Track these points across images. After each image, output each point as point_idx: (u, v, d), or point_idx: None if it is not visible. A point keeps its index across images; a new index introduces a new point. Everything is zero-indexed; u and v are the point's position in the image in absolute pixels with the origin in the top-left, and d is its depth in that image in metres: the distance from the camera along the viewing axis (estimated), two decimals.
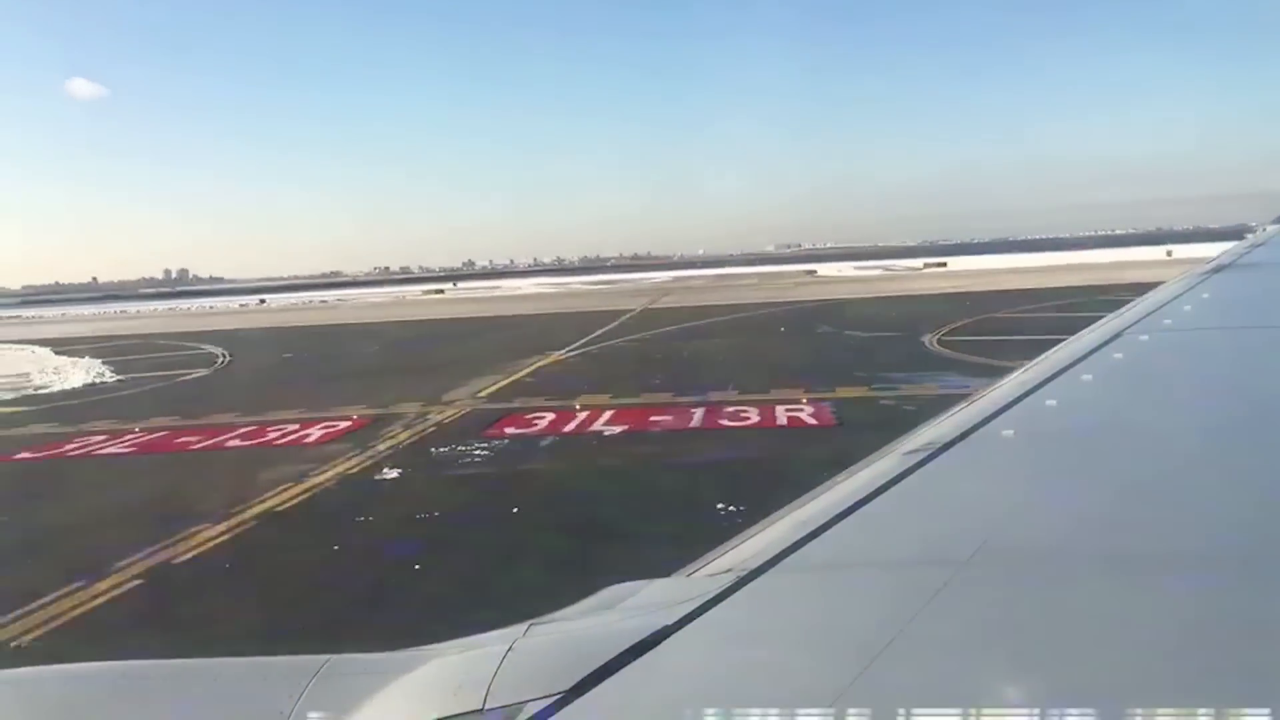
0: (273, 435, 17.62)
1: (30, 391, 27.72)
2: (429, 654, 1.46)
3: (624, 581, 1.64)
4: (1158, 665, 1.22)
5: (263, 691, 1.46)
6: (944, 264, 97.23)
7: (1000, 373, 3.61)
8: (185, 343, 42.99)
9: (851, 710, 1.13)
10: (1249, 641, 1.25)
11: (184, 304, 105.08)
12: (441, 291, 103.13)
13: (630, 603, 1.54)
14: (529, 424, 17.15)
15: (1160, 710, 1.10)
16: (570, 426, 16.78)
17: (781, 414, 16.89)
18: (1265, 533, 1.63)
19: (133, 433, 18.71)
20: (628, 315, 44.65)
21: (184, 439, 17.90)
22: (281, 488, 13.00)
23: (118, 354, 37.49)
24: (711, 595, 1.46)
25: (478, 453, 14.87)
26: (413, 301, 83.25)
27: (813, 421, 16.18)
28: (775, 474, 11.68)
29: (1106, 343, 3.62)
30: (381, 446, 15.67)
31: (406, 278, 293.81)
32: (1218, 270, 6.45)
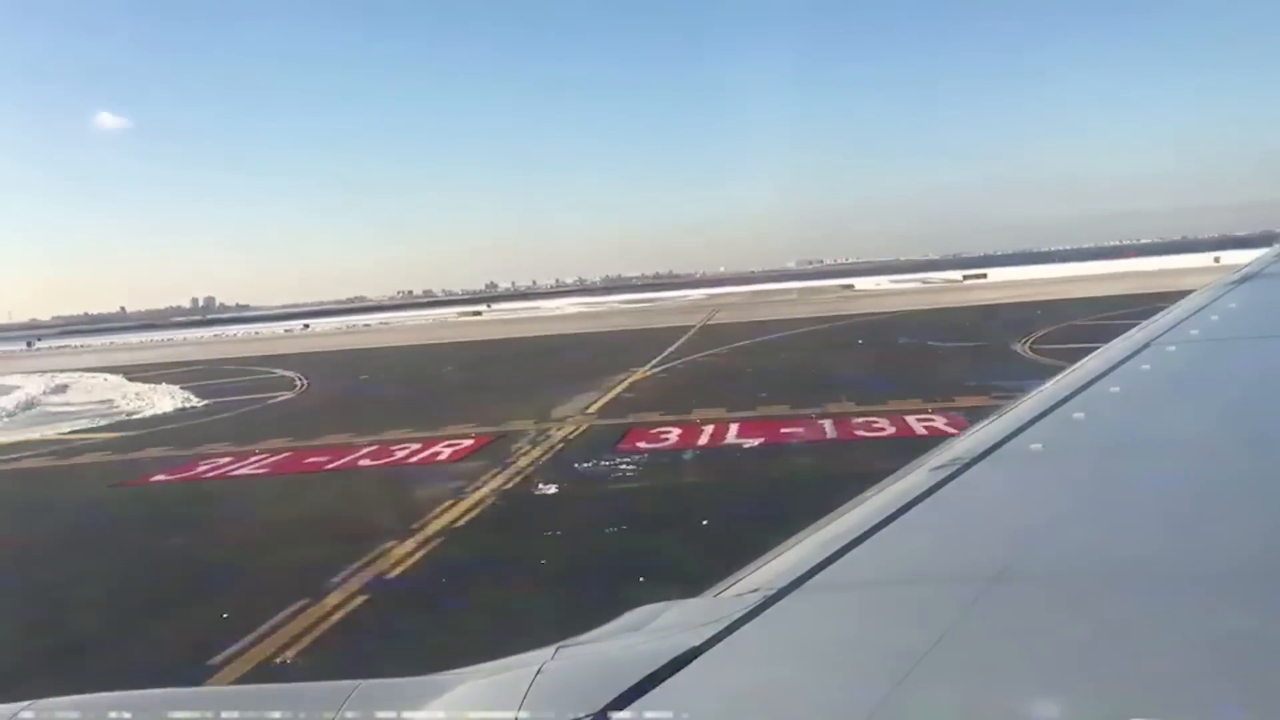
0: (400, 454, 17.65)
1: (124, 417, 27.98)
2: (457, 678, 1.45)
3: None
4: (1193, 684, 1.19)
5: (293, 718, 1.45)
6: (984, 275, 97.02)
7: None
8: (251, 367, 43.34)
9: None
10: None
11: (224, 330, 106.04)
12: (479, 313, 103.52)
13: (657, 624, 1.53)
14: (658, 438, 17.09)
15: None
16: (703, 440, 16.71)
17: (915, 424, 16.77)
18: None
19: (256, 454, 18.77)
20: (690, 331, 44.63)
21: (313, 459, 17.96)
22: (445, 504, 12.96)
23: (191, 379, 37.78)
24: (739, 615, 1.44)
25: (624, 467, 14.80)
26: (455, 323, 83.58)
27: (952, 430, 16.02)
28: None
29: (1134, 354, 3.57)
30: (521, 463, 15.64)
31: (431, 301, 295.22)
32: (1245, 280, 6.35)
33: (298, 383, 34.10)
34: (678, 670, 1.30)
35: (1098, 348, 4.03)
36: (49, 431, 25.82)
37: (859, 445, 15.35)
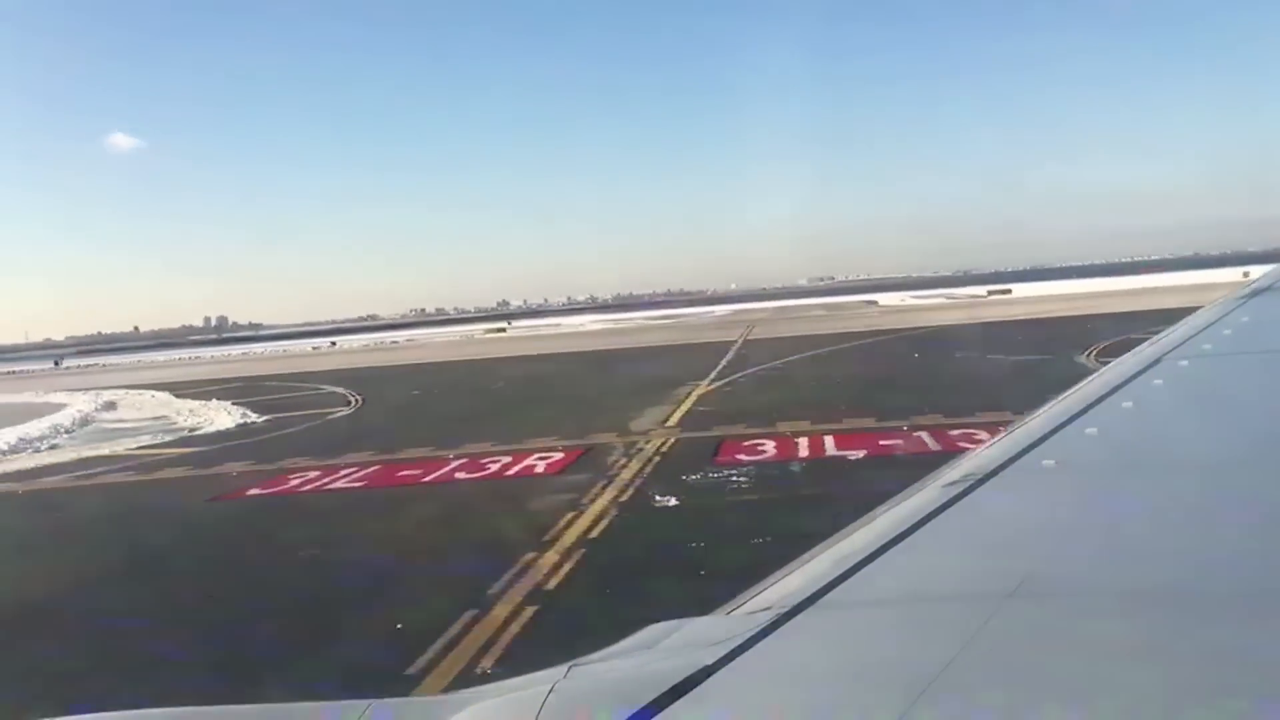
0: (494, 467, 17.54)
1: (186, 433, 27.98)
2: (471, 697, 1.44)
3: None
4: (1210, 702, 1.18)
5: None
6: (1009, 291, 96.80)
7: None
8: (293, 384, 43.35)
9: None
10: None
11: (249, 348, 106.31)
12: (503, 330, 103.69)
13: (670, 642, 1.52)
14: (756, 450, 16.96)
15: None
16: (803, 452, 16.57)
17: None
18: None
19: (343, 468, 18.67)
20: (735, 346, 44.54)
21: (405, 472, 17.87)
22: (567, 516, 12.81)
23: (239, 396, 37.76)
24: (752, 634, 1.44)
25: (736, 479, 14.66)
26: (484, 340, 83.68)
27: None
28: None
29: (1146, 369, 3.55)
30: (624, 475, 15.52)
31: (445, 319, 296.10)
32: (1256, 294, 6.31)
33: (350, 399, 34.04)
34: (690, 689, 1.29)
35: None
36: (117, 447, 25.84)
37: None
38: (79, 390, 48.03)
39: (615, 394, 28.04)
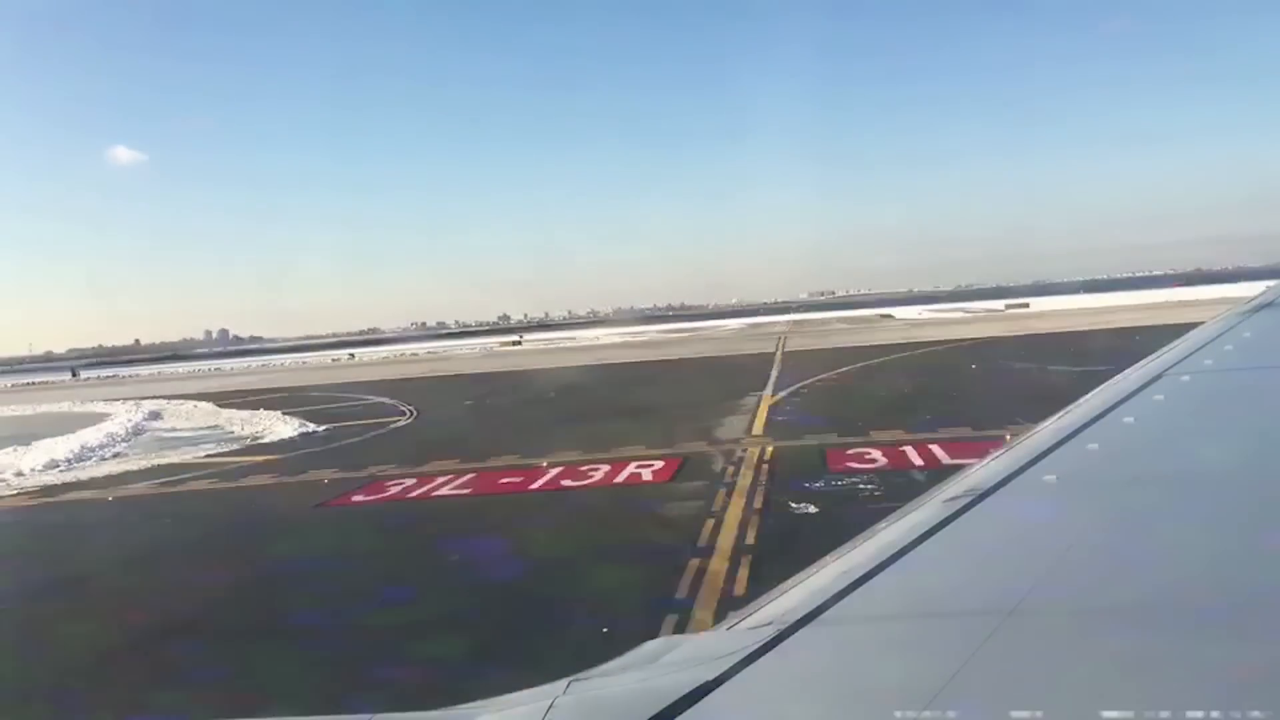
0: (597, 475, 17.40)
1: (249, 441, 27.86)
2: (469, 712, 1.44)
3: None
4: (1213, 719, 1.18)
5: None
6: (1026, 305, 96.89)
7: None
8: (336, 394, 43.22)
9: None
10: None
11: (264, 360, 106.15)
12: (518, 343, 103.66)
13: (671, 658, 1.52)
14: (865, 459, 16.83)
15: None
16: (916, 460, 16.44)
17: None
18: None
19: (440, 475, 18.53)
20: (777, 358, 44.45)
21: (506, 480, 17.69)
22: (707, 523, 12.67)
23: (287, 405, 37.58)
24: (753, 649, 1.44)
25: (863, 486, 14.53)
26: (504, 353, 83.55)
27: None
28: None
29: (1147, 384, 3.56)
30: (742, 483, 15.39)
31: (449, 332, 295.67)
32: (1259, 309, 6.33)
33: (402, 409, 33.87)
34: (691, 705, 1.28)
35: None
36: (185, 455, 25.71)
37: None
38: (115, 400, 47.89)
39: (678, 405, 27.93)
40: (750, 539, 11.88)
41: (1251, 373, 4.07)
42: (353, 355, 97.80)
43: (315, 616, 10.18)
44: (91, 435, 30.69)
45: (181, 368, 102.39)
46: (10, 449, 30.06)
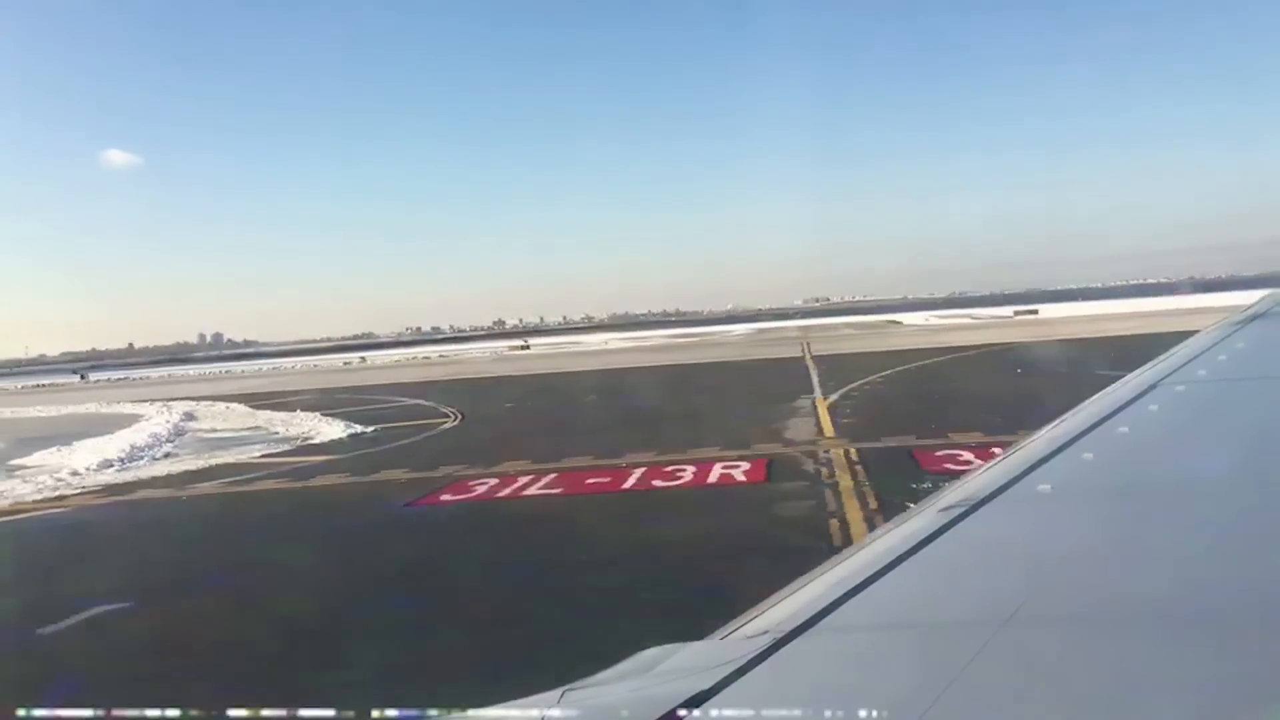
0: (685, 476, 17.23)
1: (300, 442, 27.64)
2: None
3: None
4: None
5: None
6: (1035, 311, 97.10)
7: None
8: (368, 396, 42.97)
9: None
10: None
11: (273, 363, 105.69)
12: (526, 347, 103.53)
13: (665, 667, 1.51)
14: (958, 460, 16.72)
15: None
16: None
17: None
18: None
19: (521, 475, 18.35)
20: (810, 362, 44.40)
21: (593, 480, 17.54)
22: (831, 523, 12.62)
23: (325, 407, 37.25)
24: (748, 659, 1.44)
25: None
26: (519, 357, 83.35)
27: None
28: None
29: (1141, 394, 3.58)
30: (843, 483, 15.28)
31: (442, 337, 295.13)
32: (1252, 319, 6.35)
33: (444, 411, 33.66)
34: (686, 714, 1.29)
35: None
36: (241, 456, 25.50)
37: None
38: (141, 402, 47.58)
39: (728, 407, 27.87)
40: None
41: (1245, 383, 4.08)
42: (363, 359, 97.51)
43: (538, 601, 10.20)
44: (135, 435, 30.46)
45: (191, 370, 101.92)
46: (53, 449, 29.88)
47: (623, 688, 1.46)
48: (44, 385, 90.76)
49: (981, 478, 2.58)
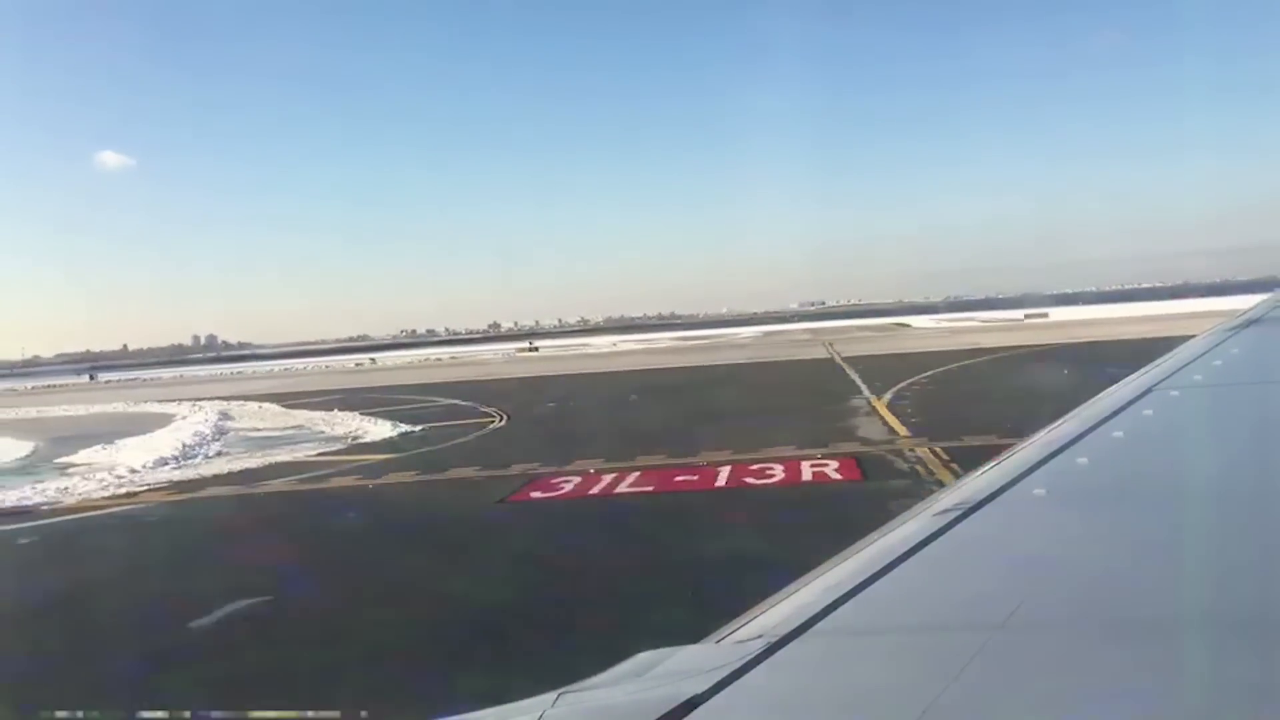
0: (777, 474, 17.06)
1: (351, 441, 27.41)
2: None
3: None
4: None
5: None
6: (1045, 315, 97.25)
7: None
8: (400, 395, 42.69)
9: None
10: None
11: (282, 364, 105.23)
12: (535, 349, 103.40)
13: (661, 670, 1.51)
14: None
15: None
16: None
17: None
18: None
19: (603, 473, 18.16)
20: (845, 362, 44.25)
21: (681, 478, 17.38)
22: None
23: (361, 407, 36.89)
24: (742, 662, 1.44)
25: None
26: (536, 358, 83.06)
27: None
28: None
29: (1137, 399, 3.59)
30: (948, 482, 15.21)
31: (439, 340, 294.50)
32: (1246, 325, 6.41)
33: (483, 410, 33.44)
34: (682, 718, 1.28)
35: None
36: (296, 454, 25.28)
37: None
38: (168, 402, 47.27)
39: (783, 407, 27.75)
40: None
41: (1239, 388, 4.09)
42: (373, 360, 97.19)
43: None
44: (179, 434, 30.22)
45: (200, 371, 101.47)
46: (97, 448, 29.63)
47: (618, 691, 1.45)
48: (55, 386, 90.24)
49: (976, 481, 2.58)
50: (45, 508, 19.05)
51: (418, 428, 28.97)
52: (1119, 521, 2.16)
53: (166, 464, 24.52)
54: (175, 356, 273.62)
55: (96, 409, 47.72)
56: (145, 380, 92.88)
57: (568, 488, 17.17)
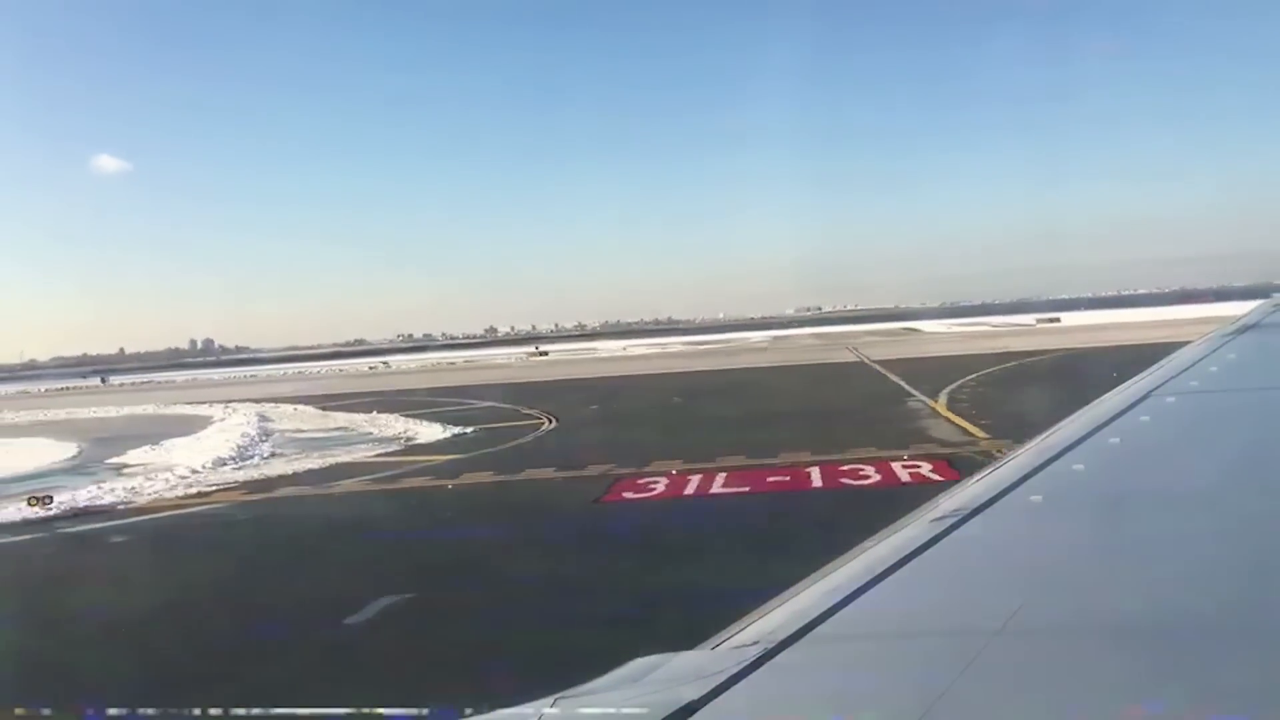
0: (872, 475, 16.96)
1: (404, 443, 27.20)
2: None
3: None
4: None
5: None
6: (1058, 319, 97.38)
7: None
8: (435, 399, 42.39)
9: None
10: None
11: (292, 368, 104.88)
12: (545, 353, 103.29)
13: (656, 676, 1.52)
14: None
15: None
16: None
17: None
18: None
19: (690, 474, 18.03)
20: (882, 365, 44.09)
21: (773, 478, 17.20)
22: None
23: (402, 409, 36.52)
24: (739, 668, 1.45)
25: None
26: (548, 362, 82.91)
27: None
28: None
29: (1133, 405, 3.61)
30: None
31: (438, 344, 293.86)
32: (1243, 331, 6.39)
33: (526, 413, 33.20)
34: None
35: None
36: (355, 455, 25.12)
37: None
38: (199, 404, 47.05)
39: (843, 409, 27.66)
40: None
41: (1236, 394, 4.12)
42: (385, 364, 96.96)
43: None
44: (227, 435, 30.03)
45: (214, 375, 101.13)
46: (143, 449, 29.43)
47: (614, 697, 1.45)
48: (69, 389, 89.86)
49: (973, 488, 2.58)
50: (121, 507, 18.86)
51: (468, 430, 28.77)
52: (1116, 528, 2.16)
53: (225, 464, 24.31)
54: (173, 360, 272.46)
55: (125, 411, 47.44)
56: (158, 383, 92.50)
57: (659, 488, 17.00)
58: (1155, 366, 4.80)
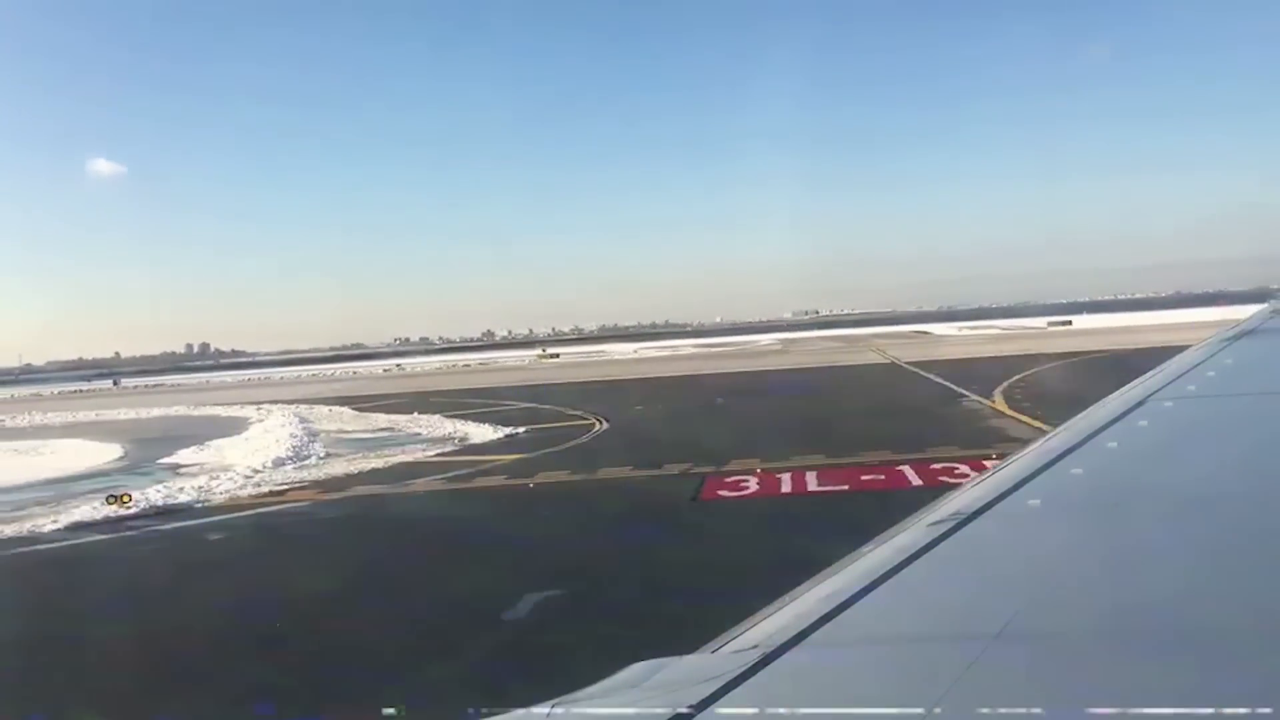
0: (966, 476, 16.87)
1: (460, 443, 27.03)
2: None
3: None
4: None
5: None
6: (1069, 323, 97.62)
7: None
8: (461, 400, 42.24)
9: None
10: None
11: (303, 371, 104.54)
12: (556, 355, 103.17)
13: (654, 681, 1.51)
14: None
15: None
16: None
17: None
18: None
19: (777, 472, 17.89)
20: (919, 366, 43.92)
21: (867, 476, 17.09)
22: None
23: (441, 411, 36.34)
24: (737, 673, 1.44)
25: None
26: (563, 364, 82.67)
27: None
28: None
29: (1131, 410, 3.60)
30: None
31: (437, 348, 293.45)
32: (1241, 335, 6.46)
33: (571, 413, 32.99)
34: None
35: None
36: (415, 455, 24.95)
37: None
38: (230, 405, 46.81)
39: (903, 409, 27.55)
40: None
41: (1235, 399, 4.13)
42: (400, 366, 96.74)
43: None
44: (274, 436, 29.79)
45: (228, 377, 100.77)
46: (191, 449, 29.26)
47: (612, 702, 1.45)
48: (83, 392, 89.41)
49: (971, 492, 2.58)
50: (199, 505, 18.65)
51: (519, 430, 28.60)
52: (1113, 532, 2.15)
53: (284, 464, 24.09)
54: (170, 364, 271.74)
55: (155, 413, 47.11)
56: (170, 386, 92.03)
57: (751, 488, 16.85)
58: (1153, 371, 4.79)
